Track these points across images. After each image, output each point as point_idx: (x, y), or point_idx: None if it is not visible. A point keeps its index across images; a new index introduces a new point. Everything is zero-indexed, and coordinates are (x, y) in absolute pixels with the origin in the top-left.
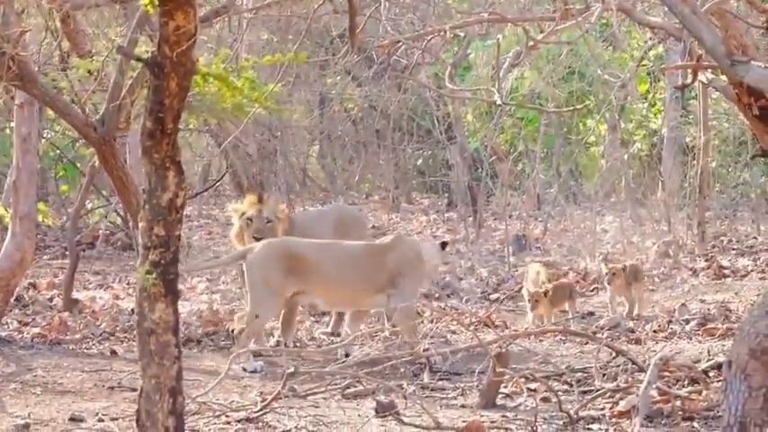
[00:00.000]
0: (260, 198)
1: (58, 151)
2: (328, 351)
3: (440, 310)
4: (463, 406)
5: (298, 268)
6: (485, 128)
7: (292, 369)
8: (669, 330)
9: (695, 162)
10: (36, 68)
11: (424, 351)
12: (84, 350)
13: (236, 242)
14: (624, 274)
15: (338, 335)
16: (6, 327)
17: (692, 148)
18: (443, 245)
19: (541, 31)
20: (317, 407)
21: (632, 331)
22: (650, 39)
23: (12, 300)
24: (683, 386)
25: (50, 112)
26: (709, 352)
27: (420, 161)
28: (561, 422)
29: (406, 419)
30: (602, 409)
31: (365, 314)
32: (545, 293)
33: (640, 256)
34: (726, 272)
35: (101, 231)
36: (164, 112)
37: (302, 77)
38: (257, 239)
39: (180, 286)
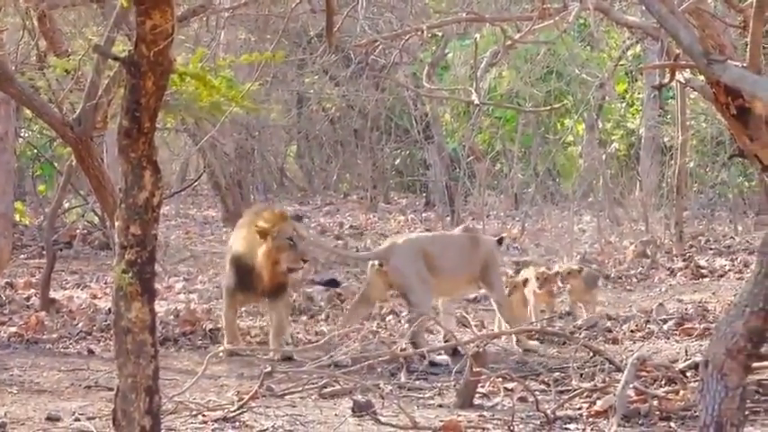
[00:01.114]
0: (285, 215)
1: (36, 150)
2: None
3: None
4: (440, 406)
5: (426, 260)
6: (463, 127)
7: (269, 368)
8: (647, 330)
9: (673, 162)
10: (13, 67)
11: (401, 351)
12: (62, 349)
13: (265, 260)
14: (580, 276)
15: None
16: None
17: (670, 147)
18: (500, 241)
19: (519, 31)
20: (294, 406)
21: (610, 331)
22: (628, 38)
23: None
24: (661, 386)
25: (27, 112)
26: (686, 352)
27: (398, 161)
28: (538, 422)
29: (383, 419)
30: (580, 408)
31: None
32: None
33: (618, 255)
34: (703, 272)
35: (78, 231)
36: (140, 111)
37: (280, 77)
38: (305, 262)
39: (157, 285)
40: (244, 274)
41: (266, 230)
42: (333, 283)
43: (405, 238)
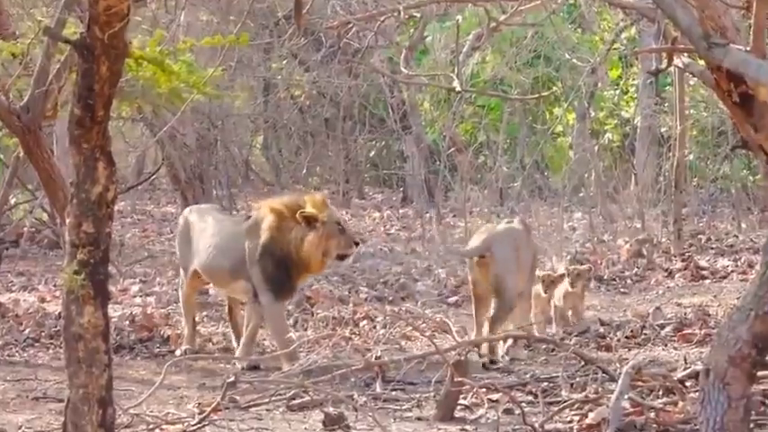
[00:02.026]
0: (326, 199)
1: None
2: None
3: (393, 315)
4: (419, 418)
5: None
6: (443, 117)
7: (233, 378)
8: (642, 336)
9: (671, 154)
10: None
11: (376, 359)
12: (7, 357)
13: (313, 250)
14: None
15: None
16: None
17: (668, 138)
18: None
19: (504, 12)
20: (259, 419)
21: (603, 337)
22: (622, 20)
23: None
24: (658, 397)
25: None
26: (685, 359)
27: (373, 153)
28: None
29: None
30: (570, 421)
31: None
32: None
33: (611, 255)
34: (704, 273)
35: (25, 228)
36: (94, 99)
37: (245, 61)
38: (357, 245)
39: (111, 288)
40: (279, 268)
41: (315, 217)
42: None
43: (503, 227)
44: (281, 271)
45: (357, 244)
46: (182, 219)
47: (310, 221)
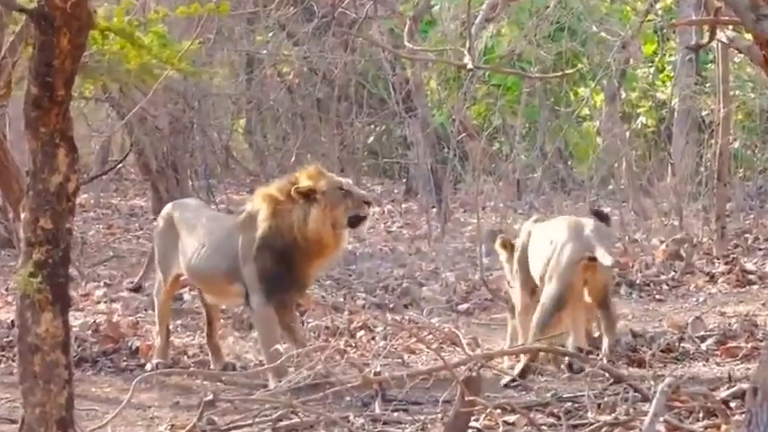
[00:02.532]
0: (319, 168)
1: None
2: (255, 374)
3: (395, 324)
4: None
5: None
6: (452, 97)
7: (211, 396)
8: (680, 350)
9: (713, 141)
10: None
11: (375, 374)
12: None
13: (321, 226)
14: None
15: None
16: None
17: (709, 123)
18: None
19: None
20: None
21: (634, 350)
22: None
23: None
24: (698, 419)
25: None
26: (729, 377)
27: (371, 138)
28: None
29: None
30: None
31: None
32: None
33: (645, 257)
34: (751, 278)
35: None
36: (53, 76)
37: (225, 33)
38: (369, 205)
39: (72, 292)
40: (281, 263)
41: (312, 189)
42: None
43: (593, 222)
44: (282, 266)
45: (369, 204)
46: (164, 215)
47: (308, 195)
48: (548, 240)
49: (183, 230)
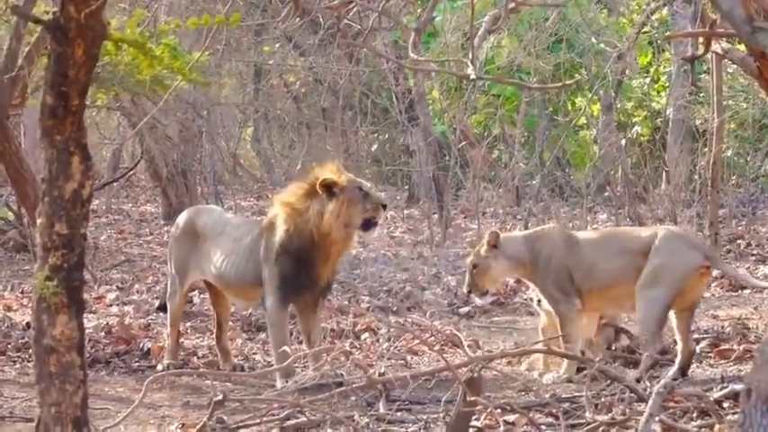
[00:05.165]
0: (338, 164)
1: None
2: (263, 375)
3: (398, 327)
4: None
5: None
6: (454, 107)
7: (220, 396)
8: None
9: (706, 149)
10: None
11: (379, 375)
12: None
13: (334, 221)
14: None
15: None
16: None
17: (703, 132)
18: None
19: None
20: None
21: (631, 352)
22: (653, 0)
23: None
24: (692, 419)
25: None
26: (723, 378)
27: (375, 146)
28: None
29: None
30: None
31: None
32: None
33: None
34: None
35: None
36: (68, 86)
37: (233, 44)
38: (385, 208)
39: (85, 296)
40: (298, 265)
41: (334, 182)
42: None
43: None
44: (299, 268)
45: (385, 207)
46: (183, 220)
47: (330, 188)
48: (637, 251)
49: (209, 237)
